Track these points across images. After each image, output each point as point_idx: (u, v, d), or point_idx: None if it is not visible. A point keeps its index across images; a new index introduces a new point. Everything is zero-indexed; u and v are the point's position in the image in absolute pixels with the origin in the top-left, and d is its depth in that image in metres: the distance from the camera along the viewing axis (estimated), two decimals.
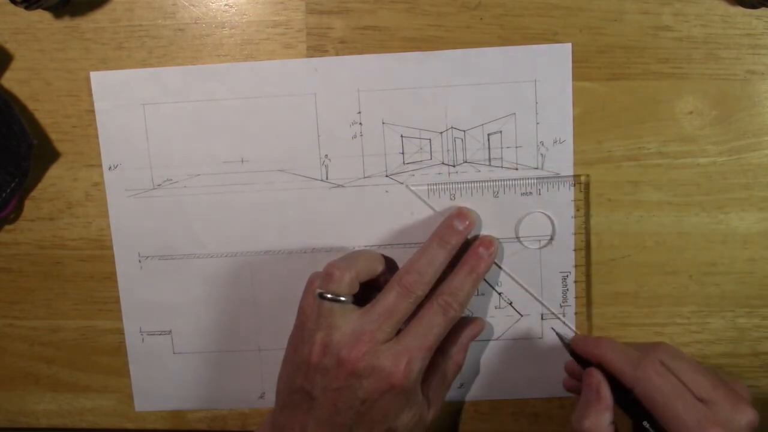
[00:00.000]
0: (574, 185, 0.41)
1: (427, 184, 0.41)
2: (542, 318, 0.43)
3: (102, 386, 0.45)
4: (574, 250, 0.42)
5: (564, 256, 0.42)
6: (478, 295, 0.42)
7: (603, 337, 0.40)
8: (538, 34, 0.40)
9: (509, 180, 0.41)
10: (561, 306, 0.42)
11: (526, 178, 0.41)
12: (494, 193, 0.41)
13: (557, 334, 0.41)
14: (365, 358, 0.36)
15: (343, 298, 0.37)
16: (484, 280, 0.42)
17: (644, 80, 0.40)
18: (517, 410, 0.44)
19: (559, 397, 0.44)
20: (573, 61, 0.40)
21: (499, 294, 0.42)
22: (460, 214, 0.40)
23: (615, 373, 0.37)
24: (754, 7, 0.39)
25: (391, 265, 0.42)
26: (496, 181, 0.41)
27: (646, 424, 0.35)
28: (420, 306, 0.38)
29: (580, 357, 0.39)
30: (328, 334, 0.37)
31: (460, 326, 0.41)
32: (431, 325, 0.38)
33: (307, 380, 0.37)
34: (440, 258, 0.38)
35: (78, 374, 0.45)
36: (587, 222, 0.42)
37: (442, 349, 0.41)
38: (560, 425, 0.44)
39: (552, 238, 0.41)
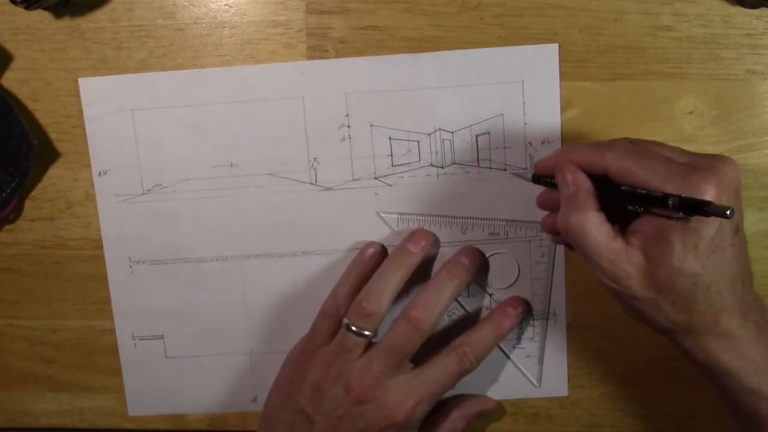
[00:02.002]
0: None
1: (398, 213, 0.42)
2: (533, 318, 0.43)
3: (101, 386, 0.45)
4: (534, 294, 0.42)
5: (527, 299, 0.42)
6: (468, 296, 0.42)
7: (560, 148, 0.37)
8: (538, 34, 0.40)
9: (478, 219, 0.41)
10: (514, 347, 0.43)
11: (494, 219, 0.41)
12: (462, 229, 0.41)
13: (517, 174, 0.40)
14: (372, 391, 0.37)
15: (367, 333, 0.37)
16: (475, 281, 0.42)
17: (644, 80, 0.40)
18: (517, 410, 0.44)
19: (559, 397, 0.44)
20: (573, 61, 0.40)
21: (490, 295, 0.42)
22: (468, 251, 0.40)
23: (585, 165, 0.34)
24: (754, 7, 0.39)
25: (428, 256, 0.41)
26: (464, 218, 0.41)
27: (625, 187, 0.32)
28: (437, 350, 0.39)
29: (548, 179, 0.36)
30: (343, 365, 0.37)
31: (470, 398, 0.42)
32: (444, 373, 0.38)
33: (310, 403, 0.38)
34: (447, 292, 0.38)
35: (78, 374, 0.45)
36: (552, 271, 0.42)
37: (445, 409, 0.41)
38: (560, 425, 0.44)
39: (516, 280, 0.42)
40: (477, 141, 0.41)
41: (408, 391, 0.37)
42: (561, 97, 0.40)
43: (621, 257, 0.32)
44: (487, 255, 0.42)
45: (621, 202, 0.33)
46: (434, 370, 0.38)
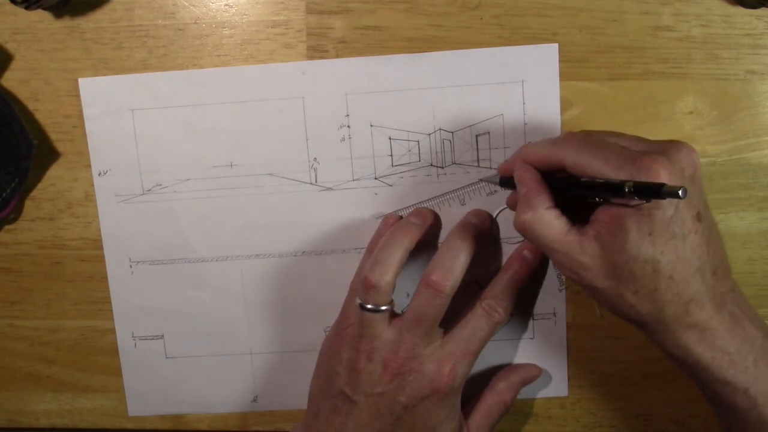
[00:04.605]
0: None
1: (394, 212, 0.42)
2: (533, 318, 0.43)
3: (102, 386, 0.45)
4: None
5: None
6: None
7: (520, 147, 0.37)
8: (538, 34, 0.40)
9: (471, 186, 0.41)
10: (560, 290, 0.42)
11: (486, 180, 0.41)
12: (461, 201, 0.41)
13: (485, 181, 0.41)
14: (408, 363, 0.36)
15: (383, 308, 0.37)
16: (474, 281, 0.42)
17: (644, 80, 0.40)
18: (517, 410, 0.44)
19: (559, 397, 0.44)
20: (573, 61, 0.40)
21: None
22: (475, 211, 0.40)
23: (543, 162, 0.34)
24: (754, 7, 0.39)
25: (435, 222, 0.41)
26: (460, 189, 0.41)
27: (584, 179, 0.32)
28: (463, 307, 0.39)
29: (512, 181, 0.36)
30: (371, 342, 0.37)
31: (514, 367, 0.42)
32: (475, 330, 0.38)
33: (348, 384, 0.37)
34: (462, 252, 0.37)
35: (78, 374, 0.45)
36: None
37: (492, 385, 0.41)
38: (560, 425, 0.44)
39: None
40: (477, 141, 0.41)
41: (443, 356, 0.37)
42: (561, 97, 0.40)
43: (575, 250, 0.32)
44: (495, 213, 0.41)
45: (583, 196, 0.33)
46: (464, 330, 0.38)
